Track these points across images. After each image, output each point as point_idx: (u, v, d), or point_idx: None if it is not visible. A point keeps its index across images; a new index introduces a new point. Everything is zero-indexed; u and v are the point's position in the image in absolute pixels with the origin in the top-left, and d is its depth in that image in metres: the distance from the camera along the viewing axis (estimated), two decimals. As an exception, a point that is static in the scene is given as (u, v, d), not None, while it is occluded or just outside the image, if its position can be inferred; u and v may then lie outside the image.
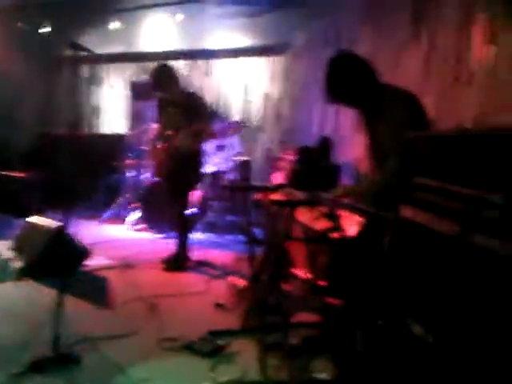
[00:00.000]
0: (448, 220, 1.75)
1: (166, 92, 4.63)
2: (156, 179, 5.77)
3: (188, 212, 4.84)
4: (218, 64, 8.59)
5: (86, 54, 2.77)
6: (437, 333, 1.69)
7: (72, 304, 3.38)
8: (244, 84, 8.42)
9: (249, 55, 8.35)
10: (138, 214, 6.17)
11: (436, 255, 1.81)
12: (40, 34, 8.30)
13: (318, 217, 2.86)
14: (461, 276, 1.64)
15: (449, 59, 3.70)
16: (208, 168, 6.11)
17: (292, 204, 2.85)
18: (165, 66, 4.71)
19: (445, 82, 3.74)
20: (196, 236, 5.84)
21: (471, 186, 1.63)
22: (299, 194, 3.01)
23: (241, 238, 5.83)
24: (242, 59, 8.41)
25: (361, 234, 2.66)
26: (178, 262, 4.61)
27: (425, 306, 1.80)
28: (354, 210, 2.79)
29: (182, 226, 4.70)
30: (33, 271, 4.03)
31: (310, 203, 2.87)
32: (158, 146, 4.73)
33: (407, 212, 2.03)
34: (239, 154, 6.83)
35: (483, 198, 1.54)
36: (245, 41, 8.08)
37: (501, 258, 1.44)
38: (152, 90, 4.67)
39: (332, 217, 2.69)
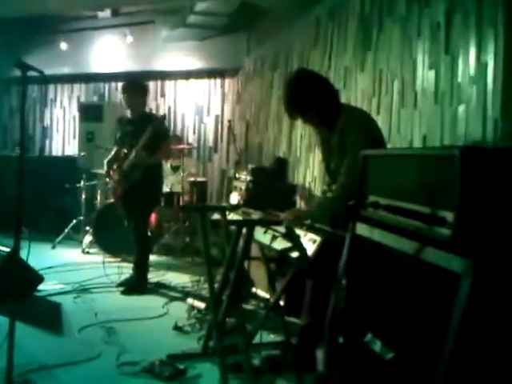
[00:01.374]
0: (403, 237, 1.83)
1: (133, 108, 4.61)
2: (110, 201, 5.70)
3: (147, 234, 4.78)
4: (170, 86, 8.62)
5: (34, 74, 2.73)
6: (396, 349, 1.75)
7: (25, 331, 3.29)
8: (197, 106, 8.47)
9: (200, 77, 8.43)
10: (91, 237, 6.05)
11: (392, 271, 1.88)
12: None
13: (277, 236, 2.91)
14: (416, 292, 1.71)
15: (395, 83, 3.88)
16: (163, 189, 6.08)
17: (250, 224, 2.88)
18: (137, 82, 4.72)
19: (393, 103, 3.90)
20: (152, 258, 5.77)
21: (423, 203, 1.71)
22: (256, 214, 3.05)
23: (198, 259, 5.82)
24: (193, 81, 8.48)
25: (318, 252, 2.72)
26: (137, 285, 4.54)
27: (384, 322, 1.87)
28: (311, 229, 2.86)
29: (142, 249, 4.64)
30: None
31: (269, 223, 2.92)
32: (115, 167, 4.68)
33: (363, 230, 2.10)
34: (194, 174, 6.84)
35: (436, 215, 1.62)
36: (196, 63, 8.15)
37: (453, 274, 1.51)
38: (125, 104, 4.65)
39: (291, 236, 2.74)
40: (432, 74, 3.37)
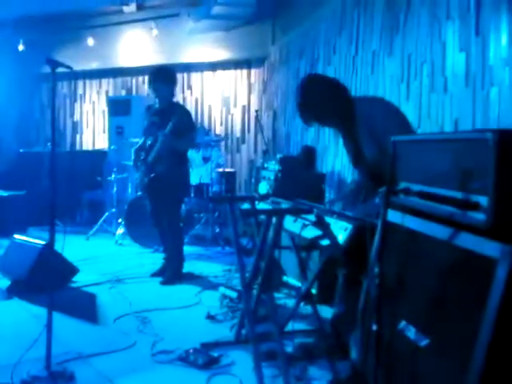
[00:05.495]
0: (436, 223, 1.80)
1: (161, 97, 4.58)
2: (141, 193, 5.77)
3: (179, 226, 4.81)
4: (196, 78, 8.65)
5: (63, 70, 2.78)
6: (430, 336, 1.74)
7: (62, 321, 3.38)
8: (223, 97, 8.48)
9: (226, 68, 8.43)
10: (123, 229, 6.15)
11: (424, 258, 1.86)
12: (16, 51, 8.27)
13: (307, 225, 2.90)
14: (450, 278, 1.69)
15: (424, 67, 3.81)
16: (193, 180, 6.12)
17: (280, 213, 2.88)
18: (167, 70, 4.73)
19: (422, 88, 3.84)
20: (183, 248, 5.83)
21: (455, 188, 1.68)
22: (285, 203, 3.05)
23: (228, 249, 5.86)
24: (220, 72, 8.49)
25: (350, 240, 2.70)
26: (174, 276, 4.57)
27: (418, 309, 1.85)
28: (341, 217, 2.85)
29: (175, 241, 4.67)
30: (21, 290, 4.01)
31: (298, 211, 2.91)
32: (141, 157, 4.70)
33: (395, 216, 2.08)
34: (223, 165, 6.87)
35: (469, 200, 1.59)
36: (221, 54, 8.16)
37: (487, 260, 1.48)
38: (150, 86, 4.62)
39: (322, 224, 2.73)
40: (462, 56, 3.30)
